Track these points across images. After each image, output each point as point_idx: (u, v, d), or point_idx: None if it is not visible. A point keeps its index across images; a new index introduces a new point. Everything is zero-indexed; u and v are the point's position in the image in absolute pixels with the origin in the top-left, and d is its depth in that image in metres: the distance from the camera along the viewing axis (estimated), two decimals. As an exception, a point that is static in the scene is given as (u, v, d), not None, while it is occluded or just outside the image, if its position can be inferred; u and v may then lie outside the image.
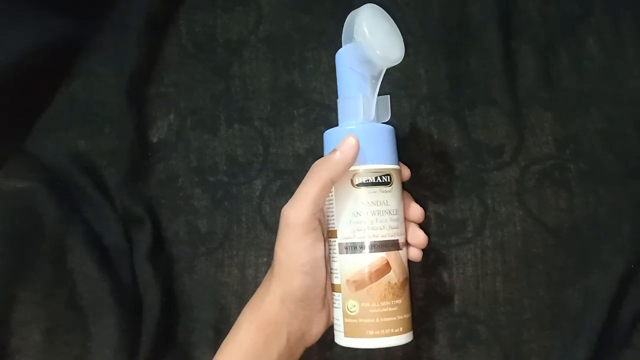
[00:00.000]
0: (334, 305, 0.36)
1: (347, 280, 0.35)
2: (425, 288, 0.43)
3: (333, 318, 0.37)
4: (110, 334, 0.40)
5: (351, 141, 0.34)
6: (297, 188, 0.41)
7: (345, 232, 0.35)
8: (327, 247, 0.36)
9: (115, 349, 0.40)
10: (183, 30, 0.50)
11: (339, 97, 0.37)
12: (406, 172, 0.39)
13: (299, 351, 0.36)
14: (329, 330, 0.41)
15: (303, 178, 0.42)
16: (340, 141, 0.34)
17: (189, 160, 0.47)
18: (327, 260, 0.36)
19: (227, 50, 0.49)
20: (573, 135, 0.45)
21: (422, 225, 0.44)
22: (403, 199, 0.37)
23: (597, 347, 0.40)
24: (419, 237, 0.38)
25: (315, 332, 0.36)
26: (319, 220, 0.35)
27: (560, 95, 0.45)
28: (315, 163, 0.35)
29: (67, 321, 0.41)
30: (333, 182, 0.34)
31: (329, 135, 0.37)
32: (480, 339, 0.42)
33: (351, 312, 0.34)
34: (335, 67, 0.38)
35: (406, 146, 0.46)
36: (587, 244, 0.43)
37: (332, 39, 0.48)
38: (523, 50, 0.46)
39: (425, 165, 0.45)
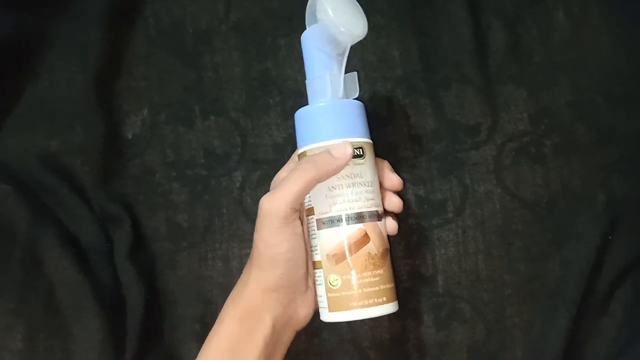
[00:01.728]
0: (317, 282, 0.36)
1: (327, 255, 0.35)
2: (409, 270, 0.44)
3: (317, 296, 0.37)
4: (93, 335, 0.40)
5: (347, 151, 0.34)
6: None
7: (322, 208, 0.35)
8: (305, 225, 0.36)
9: (100, 350, 0.39)
10: (150, 20, 0.48)
11: (307, 78, 0.37)
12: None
13: (288, 335, 0.36)
14: (318, 315, 0.41)
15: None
16: (337, 145, 0.34)
17: (165, 155, 0.46)
18: (307, 240, 0.36)
19: (197, 40, 0.48)
20: (545, 108, 0.45)
21: (403, 208, 0.44)
22: (379, 170, 0.38)
23: (577, 317, 0.41)
24: (394, 202, 0.38)
25: (303, 314, 0.36)
26: (299, 210, 0.35)
27: (531, 69, 0.46)
28: (305, 159, 0.35)
29: (48, 326, 0.40)
30: (318, 182, 0.34)
31: (300, 115, 0.37)
32: (465, 317, 0.43)
33: (333, 286, 0.35)
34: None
35: (383, 129, 0.46)
36: (564, 217, 0.44)
37: (301, 22, 0.47)
38: (493, 25, 0.46)
39: (403, 148, 0.45)
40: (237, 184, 0.46)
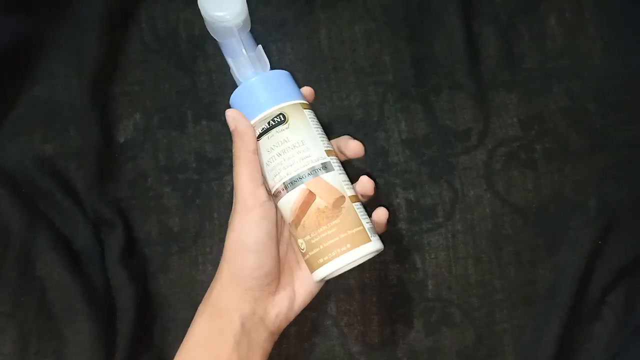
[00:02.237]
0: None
1: (289, 224, 0.36)
2: (399, 274, 0.44)
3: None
4: (84, 338, 0.40)
5: (231, 112, 0.35)
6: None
7: (270, 183, 0.36)
8: (278, 214, 0.37)
9: (90, 353, 0.39)
10: (145, 26, 0.49)
11: None
12: (307, 92, 0.39)
13: (263, 336, 0.36)
14: (309, 319, 0.41)
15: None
16: (227, 114, 0.36)
17: (157, 159, 0.47)
18: (279, 241, 0.37)
19: (190, 46, 0.48)
20: (537, 115, 0.45)
21: (394, 213, 0.44)
22: (340, 142, 0.37)
23: (568, 322, 0.41)
24: (364, 184, 0.37)
25: (273, 314, 0.36)
26: (265, 200, 0.35)
27: (524, 75, 0.46)
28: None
29: (39, 329, 0.40)
30: (249, 150, 0.35)
31: (232, 104, 0.38)
32: (455, 322, 0.43)
33: (302, 250, 0.35)
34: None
35: (374, 135, 0.46)
36: (555, 222, 0.44)
37: (293, 29, 0.47)
38: (485, 32, 0.46)
39: (393, 153, 0.45)
40: (229, 188, 0.46)
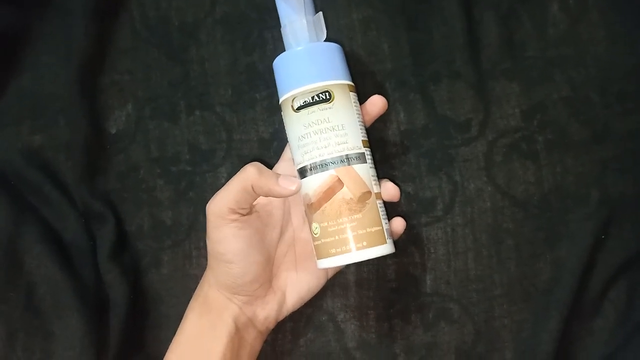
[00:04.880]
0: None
1: (307, 205, 0.35)
2: (397, 269, 0.43)
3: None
4: (74, 334, 0.39)
5: (290, 187, 0.34)
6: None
7: (297, 159, 0.35)
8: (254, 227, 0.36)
9: (80, 349, 0.38)
10: (135, 14, 0.47)
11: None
12: (379, 101, 0.39)
13: (252, 336, 0.36)
14: (304, 315, 0.41)
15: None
16: (286, 177, 0.34)
17: (149, 151, 0.46)
18: (278, 242, 0.37)
19: (183, 34, 0.47)
20: (539, 104, 0.44)
21: (393, 206, 0.43)
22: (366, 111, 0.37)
23: (568, 317, 0.40)
24: (387, 189, 0.37)
25: (262, 317, 0.36)
26: (241, 213, 0.35)
27: (525, 64, 0.45)
28: (253, 163, 0.35)
29: (28, 325, 0.39)
30: (254, 191, 0.34)
31: (275, 66, 0.37)
32: (453, 318, 0.42)
33: (315, 234, 0.35)
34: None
35: (372, 125, 0.44)
36: (556, 215, 0.43)
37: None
38: (485, 19, 0.45)
39: (392, 144, 0.44)
40: (222, 180, 0.45)
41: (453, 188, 0.43)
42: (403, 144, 0.44)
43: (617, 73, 0.44)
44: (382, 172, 0.44)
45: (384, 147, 0.44)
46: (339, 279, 0.43)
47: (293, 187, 0.33)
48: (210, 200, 0.35)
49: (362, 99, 0.45)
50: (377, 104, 0.37)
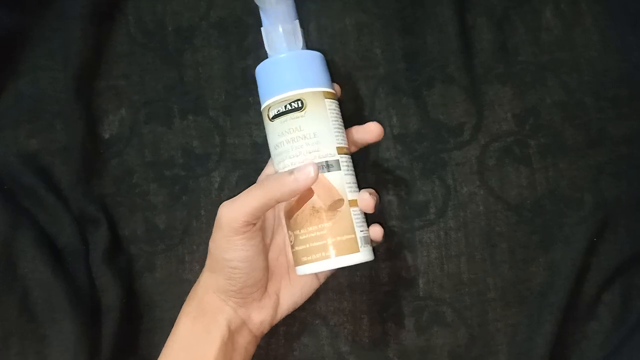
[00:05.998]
0: None
1: (284, 212, 0.35)
2: (390, 272, 0.43)
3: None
4: (67, 338, 0.39)
5: (309, 171, 0.32)
6: (257, 178, 0.41)
7: (275, 167, 0.36)
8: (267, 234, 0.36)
9: (73, 354, 0.38)
10: (131, 18, 0.48)
11: None
12: (336, 88, 0.38)
13: (247, 339, 0.36)
14: (297, 319, 0.40)
15: (262, 167, 0.41)
16: (300, 167, 0.32)
17: (143, 155, 0.46)
18: (270, 248, 0.37)
19: (178, 38, 0.47)
20: (532, 109, 0.44)
21: (385, 210, 0.43)
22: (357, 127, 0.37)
23: (563, 321, 0.40)
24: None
25: (258, 320, 0.36)
26: (253, 224, 0.34)
27: (518, 68, 0.45)
28: (271, 176, 0.34)
29: (21, 328, 0.39)
30: (277, 202, 0.33)
31: (256, 74, 0.37)
32: (447, 321, 0.42)
33: (291, 242, 0.35)
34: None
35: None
36: (550, 219, 0.43)
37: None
38: (479, 24, 0.45)
39: (385, 149, 0.44)
40: (216, 185, 0.45)
41: (446, 192, 0.43)
42: (396, 148, 0.44)
43: (611, 78, 0.44)
44: (375, 176, 0.44)
45: (377, 152, 0.44)
46: (332, 283, 0.43)
47: (312, 173, 0.32)
48: (227, 205, 0.33)
49: (355, 103, 0.45)
50: (373, 131, 0.36)
